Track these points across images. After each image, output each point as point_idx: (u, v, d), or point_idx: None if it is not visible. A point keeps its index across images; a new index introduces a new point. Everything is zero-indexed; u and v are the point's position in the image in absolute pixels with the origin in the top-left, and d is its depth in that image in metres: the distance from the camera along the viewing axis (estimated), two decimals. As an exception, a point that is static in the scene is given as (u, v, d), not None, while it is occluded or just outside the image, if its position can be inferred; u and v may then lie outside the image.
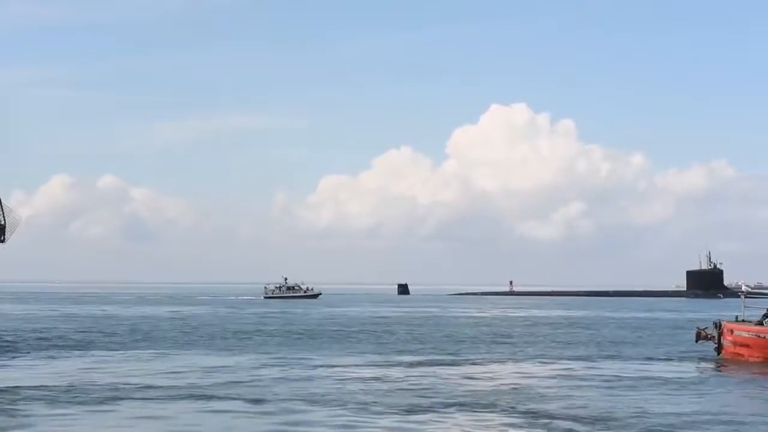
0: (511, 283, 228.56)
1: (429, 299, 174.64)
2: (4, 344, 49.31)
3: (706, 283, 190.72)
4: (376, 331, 65.50)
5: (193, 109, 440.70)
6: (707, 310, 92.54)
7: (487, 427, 24.22)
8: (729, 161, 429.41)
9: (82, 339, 54.42)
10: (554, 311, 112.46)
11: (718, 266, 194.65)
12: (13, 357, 42.25)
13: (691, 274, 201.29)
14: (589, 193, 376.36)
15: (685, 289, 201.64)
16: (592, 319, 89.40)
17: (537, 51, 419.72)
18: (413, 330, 68.01)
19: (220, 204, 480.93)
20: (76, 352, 45.02)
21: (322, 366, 39.22)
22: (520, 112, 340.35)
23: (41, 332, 59.75)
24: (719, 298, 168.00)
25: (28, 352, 44.60)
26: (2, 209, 48.36)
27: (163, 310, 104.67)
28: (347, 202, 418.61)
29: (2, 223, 48.43)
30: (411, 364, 40.39)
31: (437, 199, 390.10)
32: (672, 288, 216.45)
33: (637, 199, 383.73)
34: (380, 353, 46.45)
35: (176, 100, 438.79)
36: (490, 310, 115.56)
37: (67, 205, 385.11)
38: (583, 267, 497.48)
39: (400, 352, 47.10)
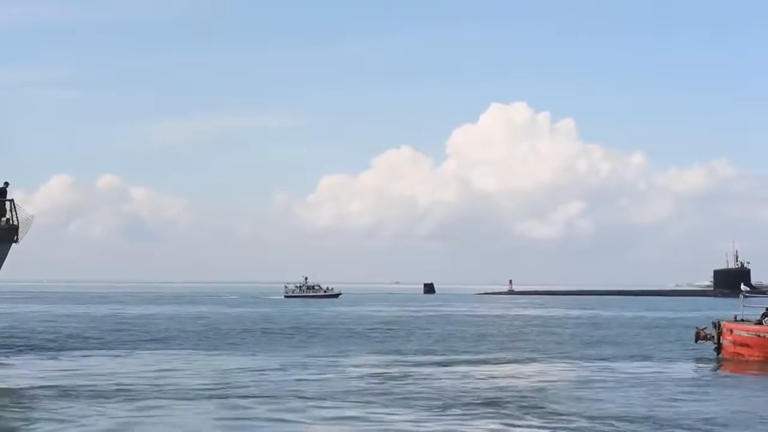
0: (510, 282, 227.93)
1: (460, 299, 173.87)
2: (27, 343, 50.18)
3: (734, 281, 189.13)
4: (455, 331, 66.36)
5: (192, 108, 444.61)
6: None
7: (491, 426, 24.54)
8: (729, 160, 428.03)
9: (106, 338, 55.21)
10: (601, 311, 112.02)
11: (745, 265, 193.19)
12: (34, 356, 43.03)
13: (718, 273, 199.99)
14: (589, 193, 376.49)
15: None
16: (622, 319, 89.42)
17: (537, 50, 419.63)
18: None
19: (220, 203, 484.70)
20: (103, 351, 45.74)
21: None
22: (520, 111, 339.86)
23: (58, 331, 60.67)
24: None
25: (45, 351, 45.38)
26: (15, 210, 48.95)
27: (191, 310, 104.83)
28: (347, 201, 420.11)
29: (15, 223, 49.01)
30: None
31: (437, 198, 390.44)
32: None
33: (637, 198, 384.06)
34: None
35: (176, 100, 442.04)
36: (535, 310, 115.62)
37: (67, 205, 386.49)
38: (582, 266, 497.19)
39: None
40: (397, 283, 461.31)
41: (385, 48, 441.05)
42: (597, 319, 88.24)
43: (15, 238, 48.43)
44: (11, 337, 54.98)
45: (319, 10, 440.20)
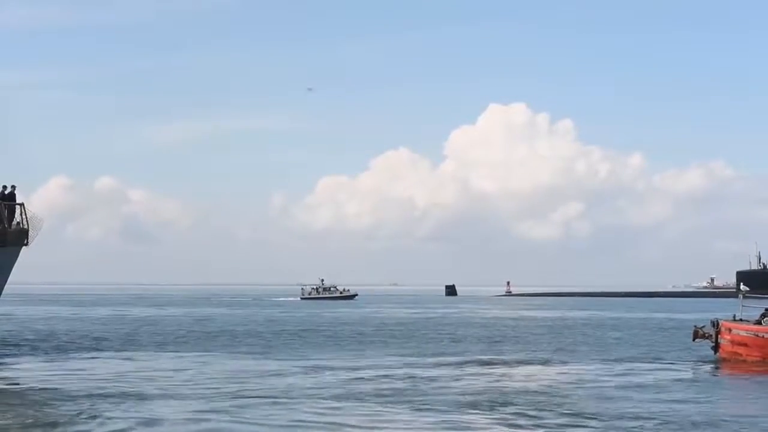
0: (508, 283, 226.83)
1: (487, 301, 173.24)
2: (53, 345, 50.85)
3: (757, 283, 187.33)
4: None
5: (191, 110, 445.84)
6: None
7: (490, 426, 24.89)
8: (728, 161, 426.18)
9: (125, 339, 55.72)
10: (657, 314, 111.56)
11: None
12: (61, 358, 43.62)
13: (741, 275, 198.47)
14: (588, 194, 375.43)
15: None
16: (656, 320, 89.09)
17: (536, 51, 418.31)
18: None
19: (219, 205, 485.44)
20: (123, 354, 46.06)
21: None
22: (518, 112, 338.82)
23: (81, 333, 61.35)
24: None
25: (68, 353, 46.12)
26: (25, 213, 49.58)
27: (240, 312, 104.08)
28: (345, 202, 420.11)
29: (26, 227, 49.64)
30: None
31: (435, 199, 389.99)
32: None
33: (636, 199, 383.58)
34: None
35: (174, 102, 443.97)
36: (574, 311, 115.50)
37: (64, 207, 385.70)
38: (581, 268, 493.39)
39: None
40: (395, 284, 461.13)
41: (383, 49, 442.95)
42: (604, 321, 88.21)
43: (25, 241, 49.07)
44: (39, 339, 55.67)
45: (318, 12, 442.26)
